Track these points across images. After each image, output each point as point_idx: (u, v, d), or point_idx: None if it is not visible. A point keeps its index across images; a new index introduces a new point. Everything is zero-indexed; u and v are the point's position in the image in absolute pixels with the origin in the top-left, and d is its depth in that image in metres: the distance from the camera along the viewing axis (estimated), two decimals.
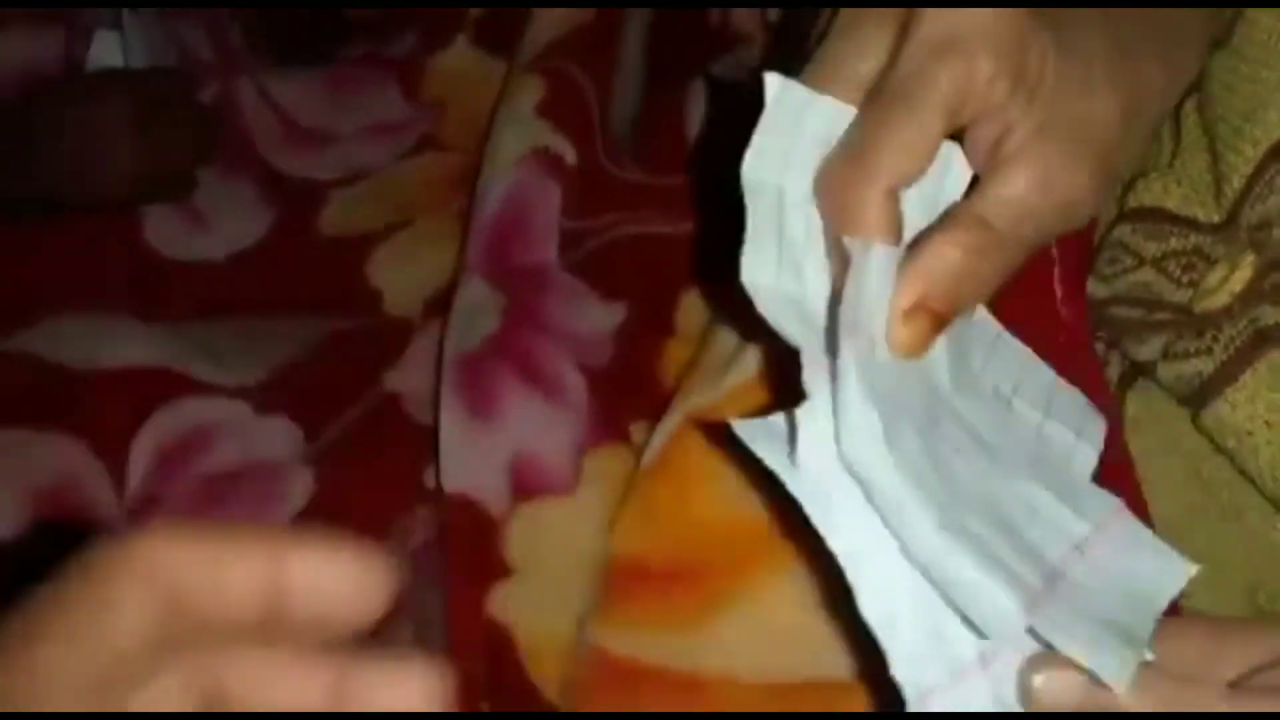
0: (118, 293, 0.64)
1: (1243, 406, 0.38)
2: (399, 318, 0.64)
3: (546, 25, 0.68)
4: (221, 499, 0.55)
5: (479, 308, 0.55)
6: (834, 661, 0.40)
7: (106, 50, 0.74)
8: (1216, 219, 0.43)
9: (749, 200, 0.32)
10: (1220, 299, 0.40)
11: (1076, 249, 0.46)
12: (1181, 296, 0.43)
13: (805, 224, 0.33)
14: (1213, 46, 0.44)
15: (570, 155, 0.61)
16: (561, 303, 0.56)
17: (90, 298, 0.63)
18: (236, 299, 0.66)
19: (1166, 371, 0.41)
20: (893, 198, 0.32)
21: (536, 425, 0.51)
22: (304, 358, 0.62)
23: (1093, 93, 0.34)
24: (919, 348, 0.32)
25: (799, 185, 0.33)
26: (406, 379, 0.60)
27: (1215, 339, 0.39)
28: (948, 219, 0.33)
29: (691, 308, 0.57)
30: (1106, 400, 0.44)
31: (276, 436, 0.58)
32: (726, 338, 0.50)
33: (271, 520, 0.55)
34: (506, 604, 0.49)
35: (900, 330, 0.31)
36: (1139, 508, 0.43)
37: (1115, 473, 0.43)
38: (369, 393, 0.60)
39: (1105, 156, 0.34)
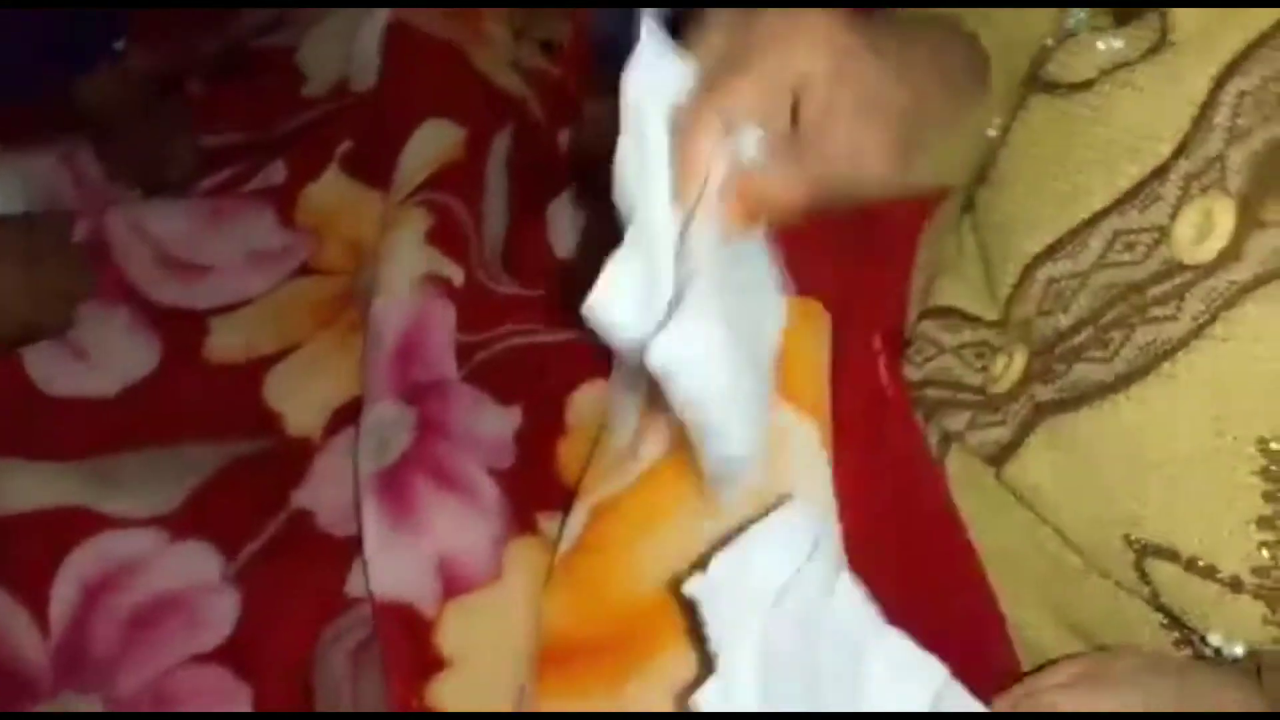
0: (11, 436, 0.65)
1: (1031, 466, 0.48)
2: (300, 438, 0.68)
3: (419, 162, 0.74)
4: (150, 629, 0.57)
5: (390, 425, 0.60)
6: None
7: None
8: (994, 316, 0.54)
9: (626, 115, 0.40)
10: (1005, 384, 0.50)
11: (893, 342, 0.57)
12: (977, 379, 0.53)
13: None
14: (978, 183, 0.55)
15: (459, 278, 0.67)
16: (465, 412, 0.62)
17: None
18: (135, 431, 0.68)
19: (971, 439, 0.51)
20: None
21: (456, 527, 0.57)
22: (212, 483, 0.65)
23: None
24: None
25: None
26: (316, 496, 0.64)
27: (1005, 414, 0.49)
28: None
29: (580, 407, 0.64)
30: (929, 460, 0.54)
31: (196, 561, 0.61)
32: (620, 433, 0.57)
33: (202, 644, 0.57)
34: (444, 695, 0.54)
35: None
36: (967, 543, 0.53)
37: (944, 519, 0.53)
38: (280, 512, 0.64)
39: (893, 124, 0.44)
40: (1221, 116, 0.41)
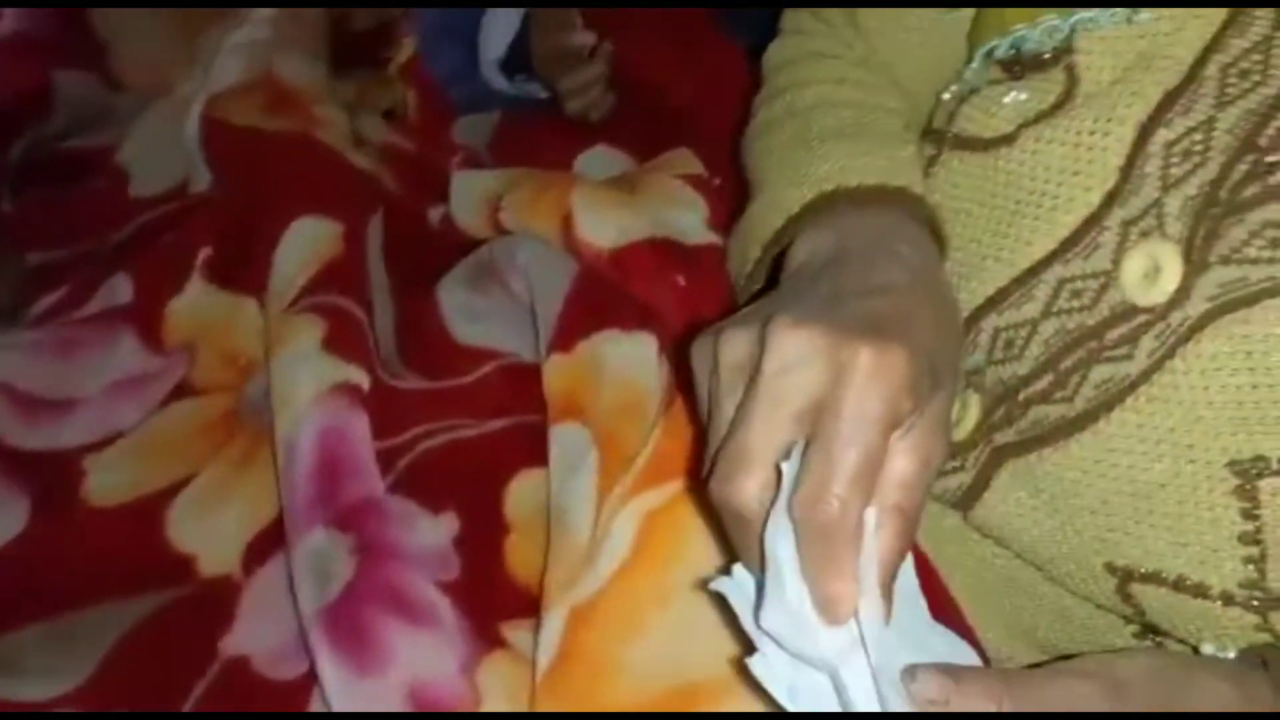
0: None
1: (999, 507, 0.50)
2: (218, 578, 0.62)
3: (296, 264, 0.70)
4: None
5: (325, 555, 0.57)
6: None
7: None
8: None
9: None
10: (961, 432, 0.52)
11: None
12: None
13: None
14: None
15: (365, 382, 0.64)
16: (401, 528, 0.59)
17: None
18: (19, 604, 0.61)
19: (937, 487, 0.52)
20: None
21: (422, 654, 0.54)
22: (126, 645, 0.59)
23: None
24: None
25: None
26: (248, 639, 0.59)
27: (966, 460, 0.51)
28: None
29: (518, 501, 0.62)
30: None
31: None
32: (576, 530, 0.55)
33: None
34: None
35: None
36: (938, 585, 0.54)
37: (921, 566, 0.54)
38: (211, 664, 0.59)
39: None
40: (1152, 166, 0.44)
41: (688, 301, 0.59)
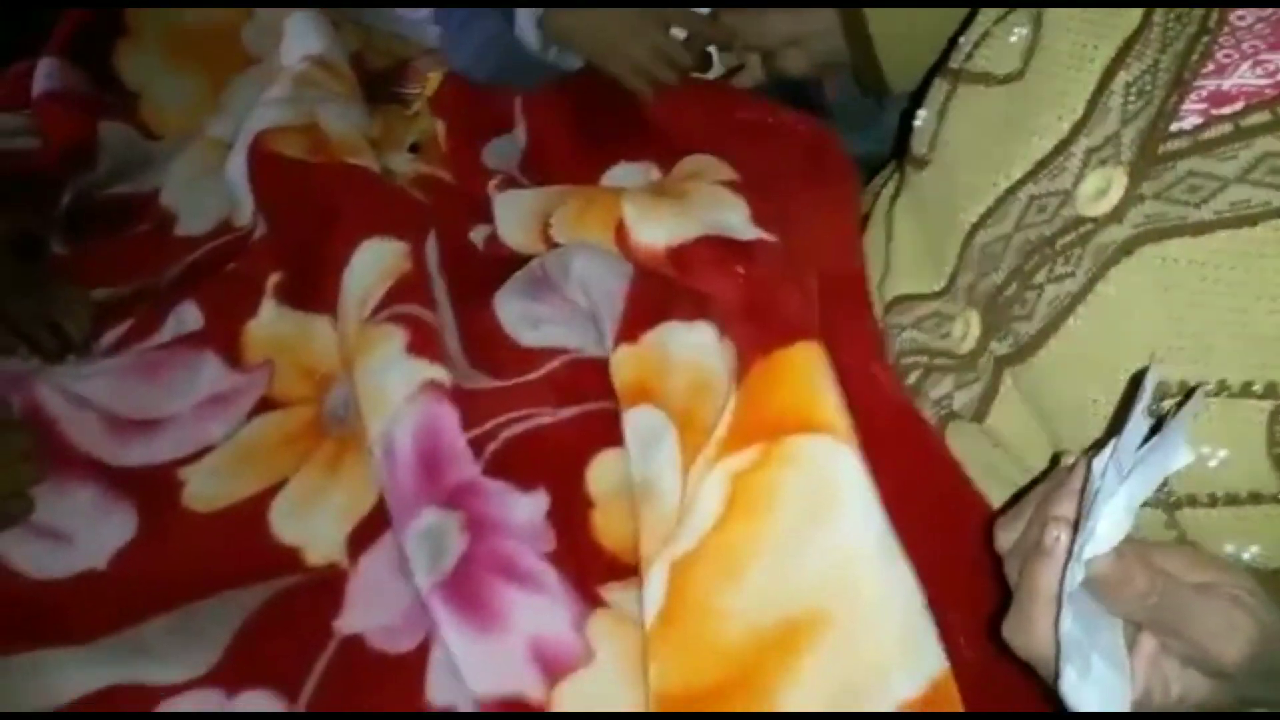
0: (20, 628, 0.62)
1: (1005, 416, 0.57)
2: (326, 565, 0.67)
3: (370, 281, 0.76)
4: None
5: (438, 532, 0.62)
6: None
7: None
8: (938, 286, 0.64)
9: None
10: (968, 344, 0.60)
11: (877, 345, 0.65)
12: (942, 344, 0.62)
13: None
14: (918, 165, 0.65)
15: (449, 380, 0.69)
16: (500, 506, 0.64)
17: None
18: (141, 598, 0.65)
19: (958, 401, 0.60)
20: None
21: (537, 615, 0.59)
22: (248, 630, 0.63)
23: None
24: None
25: None
26: (359, 619, 0.64)
27: (976, 371, 0.58)
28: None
29: (599, 478, 0.67)
30: (925, 426, 0.62)
31: (259, 709, 0.60)
32: (663, 489, 0.61)
33: None
34: None
35: None
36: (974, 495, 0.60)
37: (974, 504, 0.60)
38: (328, 642, 0.63)
39: None
40: (1114, 101, 0.53)
41: (748, 287, 0.65)
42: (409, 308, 0.73)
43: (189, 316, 0.84)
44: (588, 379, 0.72)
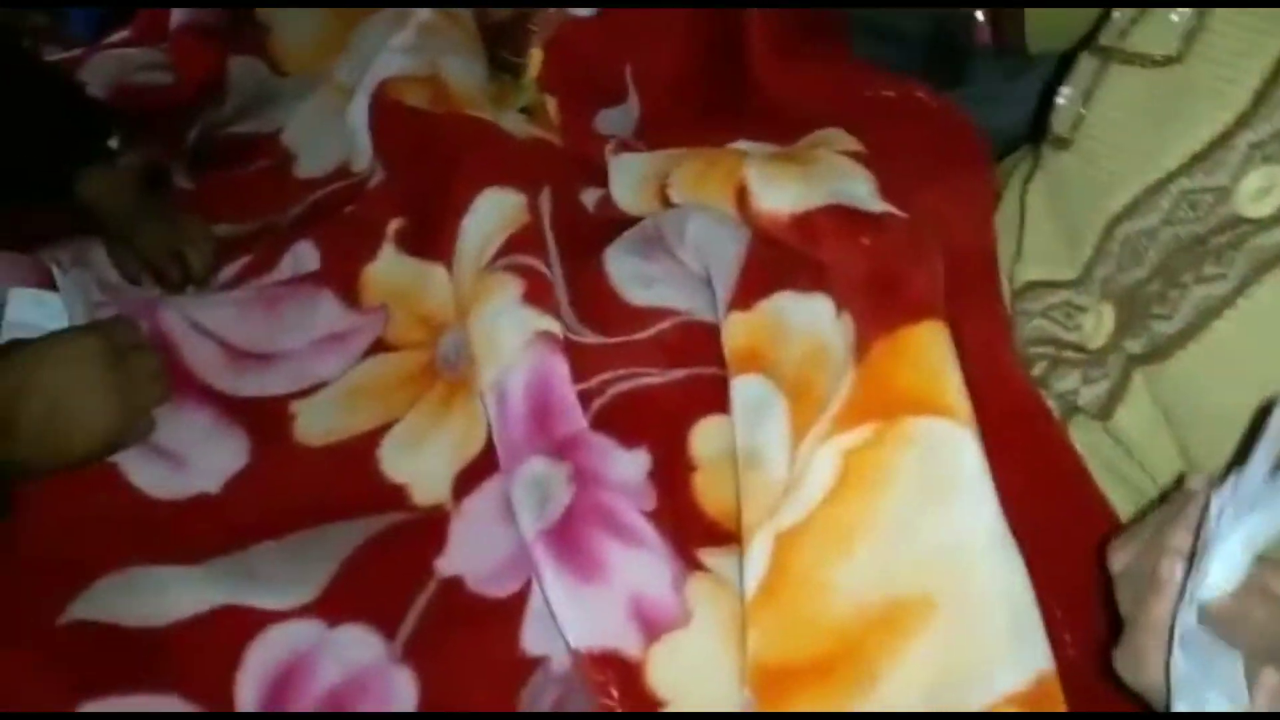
0: (137, 544, 0.64)
1: (1130, 418, 0.55)
2: (431, 505, 0.68)
3: (489, 230, 0.76)
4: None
5: (545, 480, 0.62)
6: None
7: (22, 309, 0.73)
8: (1071, 275, 0.61)
9: None
10: (1099, 339, 0.57)
11: (1005, 331, 0.63)
12: (1071, 336, 0.60)
13: None
14: (1058, 146, 0.62)
15: (561, 332, 0.69)
16: (605, 460, 0.64)
17: (117, 555, 0.62)
18: (252, 523, 0.67)
19: (1084, 397, 0.58)
20: None
21: (638, 570, 0.59)
22: (352, 563, 0.65)
23: None
24: None
25: None
26: (461, 561, 0.65)
27: (1106, 367, 0.56)
28: None
29: (704, 442, 0.67)
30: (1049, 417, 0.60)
31: (360, 645, 0.61)
32: (770, 459, 0.60)
33: None
34: None
35: None
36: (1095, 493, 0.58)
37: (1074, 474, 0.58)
38: (429, 582, 0.64)
39: None
40: None
41: (874, 260, 0.63)
42: (526, 259, 0.73)
43: (306, 256, 0.86)
44: (698, 342, 0.71)
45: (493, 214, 0.77)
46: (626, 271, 0.79)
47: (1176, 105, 0.55)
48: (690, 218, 0.76)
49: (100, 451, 0.67)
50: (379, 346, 0.78)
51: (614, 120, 1.05)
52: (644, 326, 0.74)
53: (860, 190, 0.70)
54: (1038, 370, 0.62)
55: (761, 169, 0.72)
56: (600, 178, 0.90)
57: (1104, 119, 0.60)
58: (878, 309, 0.61)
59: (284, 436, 0.73)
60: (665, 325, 0.74)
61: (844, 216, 0.66)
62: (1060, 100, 0.63)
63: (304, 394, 0.75)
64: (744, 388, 0.65)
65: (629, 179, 0.84)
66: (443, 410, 0.72)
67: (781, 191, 0.69)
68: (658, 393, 0.69)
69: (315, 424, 0.74)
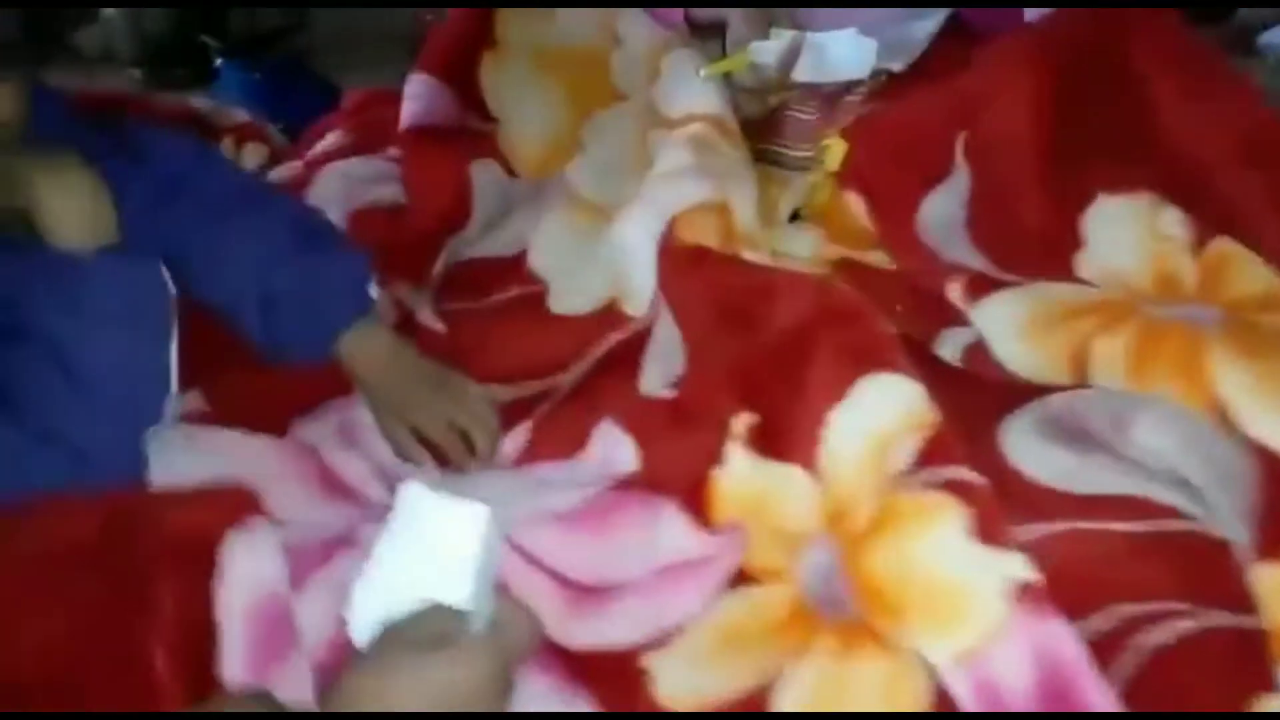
0: None
1: None
2: None
3: (877, 430, 0.61)
4: None
5: None
6: None
7: None
8: None
9: None
10: None
11: None
12: None
13: None
14: None
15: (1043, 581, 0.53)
16: None
17: None
18: None
19: None
20: None
21: None
22: None
23: None
24: None
25: None
26: None
27: None
28: None
29: None
30: None
31: None
32: None
33: None
34: None
35: None
36: None
37: None
38: None
39: None
40: None
41: None
42: (958, 471, 0.57)
43: (616, 443, 0.70)
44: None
45: (884, 408, 0.61)
46: (1047, 463, 0.63)
47: None
48: (1139, 415, 0.61)
49: None
50: (738, 578, 0.61)
51: (940, 213, 0.87)
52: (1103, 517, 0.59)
53: None
54: None
55: (1241, 376, 0.61)
56: (949, 312, 0.75)
57: None
58: None
59: (636, 703, 0.57)
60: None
61: None
62: None
63: (656, 644, 0.59)
64: None
65: (1017, 332, 0.69)
66: (845, 666, 0.56)
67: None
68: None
69: (676, 685, 0.58)
